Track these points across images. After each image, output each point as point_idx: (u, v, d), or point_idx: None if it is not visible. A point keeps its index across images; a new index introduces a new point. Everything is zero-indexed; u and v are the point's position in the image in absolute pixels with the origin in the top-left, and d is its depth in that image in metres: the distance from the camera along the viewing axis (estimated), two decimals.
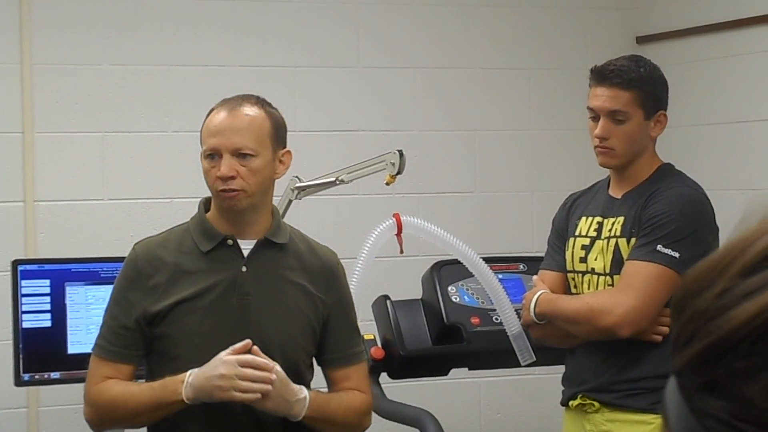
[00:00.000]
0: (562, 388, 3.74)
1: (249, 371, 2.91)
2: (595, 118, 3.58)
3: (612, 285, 3.54)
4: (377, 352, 4.24)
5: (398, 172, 4.02)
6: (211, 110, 3.12)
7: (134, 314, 3.04)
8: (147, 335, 3.06)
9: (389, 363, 4.26)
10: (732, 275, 0.91)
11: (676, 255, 3.43)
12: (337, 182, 4.17)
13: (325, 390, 3.20)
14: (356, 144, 5.23)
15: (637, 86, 3.53)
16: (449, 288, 4.33)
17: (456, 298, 4.32)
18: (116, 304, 3.09)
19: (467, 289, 4.32)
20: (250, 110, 3.09)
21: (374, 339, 4.31)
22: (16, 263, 4.26)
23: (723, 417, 0.88)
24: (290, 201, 4.30)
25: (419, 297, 4.40)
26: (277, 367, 2.96)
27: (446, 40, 5.53)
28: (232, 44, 5.22)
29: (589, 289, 3.61)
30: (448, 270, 4.31)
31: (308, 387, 3.12)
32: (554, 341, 3.66)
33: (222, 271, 3.07)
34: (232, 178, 3.01)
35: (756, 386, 0.87)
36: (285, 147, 3.15)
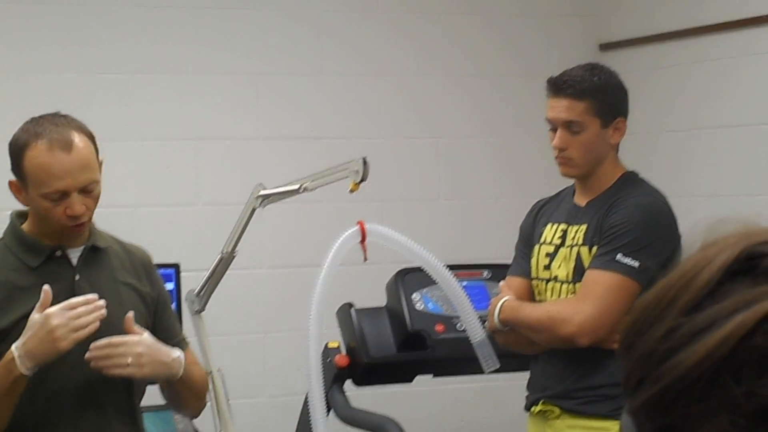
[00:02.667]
0: (527, 393, 3.75)
1: (80, 309, 2.92)
2: (554, 129, 3.61)
3: (575, 293, 3.56)
4: (342, 359, 4.24)
5: (362, 180, 4.01)
6: (27, 144, 2.99)
7: None
8: None
9: (354, 370, 4.26)
10: (677, 312, 0.89)
11: (636, 264, 3.45)
12: (301, 190, 4.16)
13: None
14: (320, 151, 5.23)
15: (592, 95, 3.55)
16: (413, 295, 4.33)
17: (420, 306, 4.32)
18: None
19: (431, 297, 4.33)
20: (79, 140, 3.01)
21: (339, 346, 4.30)
22: None
23: None
24: (254, 209, 4.29)
25: (383, 305, 4.40)
26: (146, 334, 3.03)
27: (410, 47, 5.54)
28: (195, 52, 5.21)
29: (552, 296, 3.63)
30: (412, 277, 4.32)
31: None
32: (518, 347, 3.68)
33: (55, 282, 3.04)
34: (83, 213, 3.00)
35: (714, 429, 0.85)
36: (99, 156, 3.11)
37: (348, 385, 4.31)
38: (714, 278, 0.89)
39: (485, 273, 4.47)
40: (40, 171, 2.98)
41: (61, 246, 3.08)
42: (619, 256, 3.47)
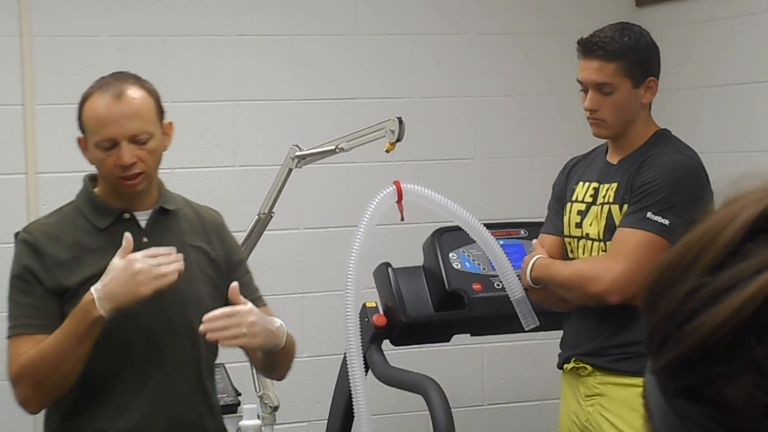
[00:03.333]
0: (560, 351, 3.77)
1: (161, 258, 2.95)
2: (585, 90, 3.61)
3: (606, 251, 3.56)
4: (379, 319, 4.25)
5: (398, 140, 4.02)
6: (88, 96, 3.07)
7: (48, 285, 3.03)
8: (60, 307, 3.04)
9: (391, 330, 4.27)
10: (700, 272, 0.87)
11: (666, 222, 3.45)
12: (337, 150, 4.17)
13: None
14: (355, 112, 5.23)
15: (622, 56, 3.55)
16: (450, 254, 4.34)
17: (457, 265, 4.33)
18: (25, 283, 3.06)
19: (468, 256, 4.34)
20: (135, 92, 3.06)
21: (376, 306, 4.32)
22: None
23: (705, 423, 0.85)
24: (290, 170, 4.30)
25: (421, 264, 4.41)
26: (250, 304, 3.02)
27: (443, 6, 5.52)
28: (230, 13, 5.21)
29: (584, 254, 3.64)
30: (449, 236, 4.32)
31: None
32: (550, 305, 3.70)
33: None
34: (134, 164, 3.02)
35: (738, 391, 0.83)
36: (164, 119, 3.14)
37: (386, 344, 4.33)
38: (737, 237, 0.87)
39: (522, 232, 4.47)
40: (92, 119, 3.04)
41: (129, 208, 3.10)
42: (649, 214, 3.47)
